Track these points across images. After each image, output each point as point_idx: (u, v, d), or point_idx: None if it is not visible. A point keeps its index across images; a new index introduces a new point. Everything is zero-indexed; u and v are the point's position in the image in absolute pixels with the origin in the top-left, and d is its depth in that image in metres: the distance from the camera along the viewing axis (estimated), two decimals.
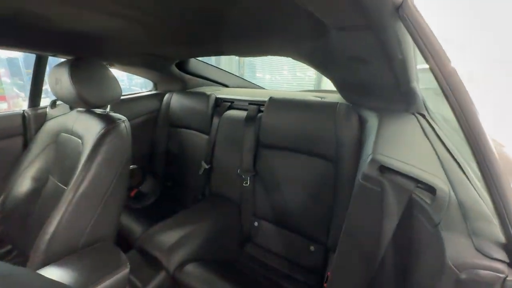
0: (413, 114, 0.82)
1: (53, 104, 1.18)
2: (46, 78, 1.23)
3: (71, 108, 1.12)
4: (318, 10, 0.42)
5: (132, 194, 1.51)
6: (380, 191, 0.48)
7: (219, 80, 1.71)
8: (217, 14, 0.64)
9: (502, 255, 0.27)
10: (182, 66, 1.49)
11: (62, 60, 1.01)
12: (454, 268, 0.28)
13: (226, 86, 1.73)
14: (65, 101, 1.03)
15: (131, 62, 1.33)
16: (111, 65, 1.34)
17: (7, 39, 0.90)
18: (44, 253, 0.77)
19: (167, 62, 1.38)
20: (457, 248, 0.29)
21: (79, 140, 0.94)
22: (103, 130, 0.89)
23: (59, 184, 0.97)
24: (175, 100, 1.49)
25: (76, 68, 0.89)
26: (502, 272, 0.26)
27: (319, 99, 1.29)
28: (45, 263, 0.75)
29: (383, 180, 0.48)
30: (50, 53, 1.12)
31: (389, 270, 0.49)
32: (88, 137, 0.91)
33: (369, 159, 0.52)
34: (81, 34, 0.85)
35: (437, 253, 0.30)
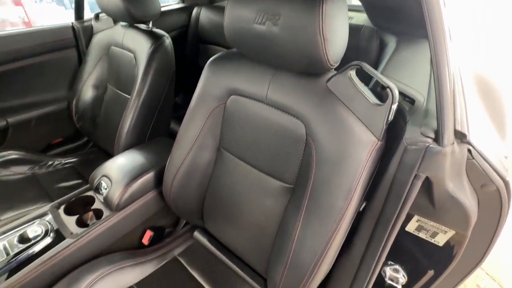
0: None
1: (97, 17, 1.28)
2: None
3: (115, 22, 1.22)
4: None
5: None
6: None
7: None
8: None
9: (431, 135, 0.46)
10: None
11: None
12: (405, 142, 0.48)
13: None
14: (110, 15, 1.13)
15: None
16: None
17: None
18: (123, 144, 1.06)
19: None
20: (411, 133, 0.48)
21: (132, 55, 1.10)
22: (153, 47, 1.04)
23: (118, 92, 1.19)
24: (203, 16, 1.53)
25: None
26: (427, 142, 0.46)
27: None
28: (124, 150, 1.02)
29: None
30: None
31: None
32: (140, 53, 1.06)
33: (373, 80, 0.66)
34: None
35: (401, 137, 0.50)
